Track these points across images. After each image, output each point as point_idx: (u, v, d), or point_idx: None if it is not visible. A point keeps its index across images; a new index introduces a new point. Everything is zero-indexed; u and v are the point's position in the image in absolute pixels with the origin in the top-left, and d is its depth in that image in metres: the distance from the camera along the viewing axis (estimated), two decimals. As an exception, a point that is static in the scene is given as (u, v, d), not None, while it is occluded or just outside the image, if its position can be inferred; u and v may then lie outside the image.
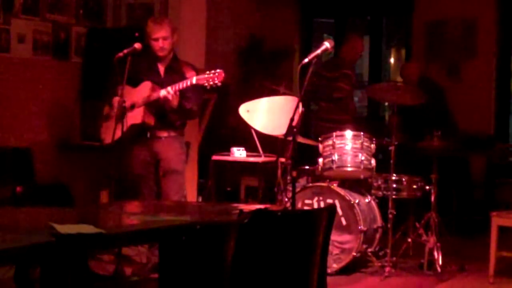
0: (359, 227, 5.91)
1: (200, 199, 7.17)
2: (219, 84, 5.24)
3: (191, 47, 6.99)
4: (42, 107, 6.91)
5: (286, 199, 5.62)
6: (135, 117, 5.46)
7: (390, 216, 6.02)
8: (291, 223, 3.39)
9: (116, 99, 5.44)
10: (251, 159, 6.92)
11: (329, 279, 3.57)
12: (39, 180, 6.53)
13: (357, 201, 6.01)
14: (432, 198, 6.11)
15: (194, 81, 5.29)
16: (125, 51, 5.21)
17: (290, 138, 4.54)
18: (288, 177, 5.37)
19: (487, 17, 8.61)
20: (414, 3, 9.00)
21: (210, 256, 3.04)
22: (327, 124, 7.10)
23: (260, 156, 6.85)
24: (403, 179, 6.22)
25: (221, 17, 8.76)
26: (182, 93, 5.44)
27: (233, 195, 7.73)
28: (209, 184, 7.26)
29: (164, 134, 5.63)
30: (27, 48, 6.78)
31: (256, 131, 6.63)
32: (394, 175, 6.12)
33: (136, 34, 5.98)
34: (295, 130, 4.51)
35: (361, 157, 6.09)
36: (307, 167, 6.39)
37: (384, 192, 6.20)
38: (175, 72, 5.61)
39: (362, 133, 6.18)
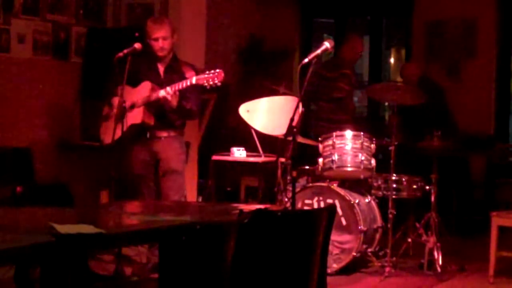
0: (359, 227, 5.91)
1: (200, 199, 7.17)
2: (219, 84, 5.24)
3: (191, 47, 6.99)
4: (42, 107, 6.91)
5: (286, 199, 5.62)
6: (135, 117, 5.46)
7: (390, 216, 6.02)
8: (291, 223, 3.39)
9: (115, 99, 5.44)
10: (251, 159, 6.92)
11: (329, 279, 3.57)
12: (39, 180, 6.53)
13: (357, 201, 6.01)
14: (432, 198, 6.11)
15: (193, 81, 5.29)
16: (125, 51, 5.21)
17: (290, 138, 4.54)
18: (288, 177, 5.37)
19: (487, 17, 8.61)
20: (414, 3, 9.00)
21: (210, 256, 3.04)
22: (327, 124, 7.10)
23: (260, 156, 6.85)
24: (403, 179, 6.22)
25: (221, 17, 8.76)
26: (182, 93, 5.44)
27: (233, 195, 7.73)
28: (209, 184, 7.26)
29: (163, 134, 5.63)
30: (27, 48, 6.78)
31: (256, 131, 6.63)
32: (394, 175, 6.12)
33: (136, 34, 5.98)
34: (295, 130, 4.51)
35: (361, 157, 6.09)
36: (307, 167, 6.39)
37: (384, 192, 6.20)
38: (174, 72, 5.61)
39: (362, 133, 6.18)
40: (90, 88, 7.00)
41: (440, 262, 5.95)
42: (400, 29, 10.05)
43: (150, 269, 5.55)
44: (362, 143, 6.12)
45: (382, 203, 6.24)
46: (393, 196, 6.10)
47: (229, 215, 3.96)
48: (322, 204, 6.02)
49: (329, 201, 6.02)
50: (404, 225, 6.46)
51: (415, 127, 7.23)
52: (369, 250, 6.10)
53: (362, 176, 6.27)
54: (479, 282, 5.92)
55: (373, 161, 6.12)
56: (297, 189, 5.96)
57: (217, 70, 5.22)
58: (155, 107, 5.50)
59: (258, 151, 6.84)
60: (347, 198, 5.99)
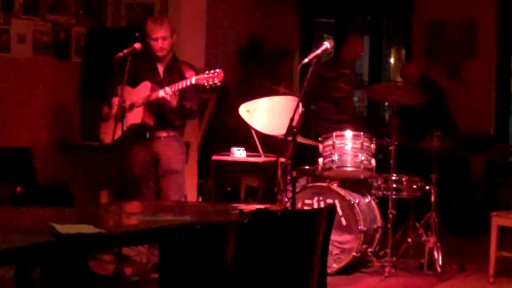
0: (359, 227, 5.91)
1: (200, 199, 7.17)
2: (219, 83, 5.24)
3: (191, 47, 6.99)
4: (42, 107, 6.91)
5: (286, 199, 5.62)
6: (135, 117, 5.46)
7: (390, 216, 6.02)
8: (291, 223, 3.38)
9: (115, 99, 5.44)
10: (251, 159, 6.92)
11: (329, 279, 3.57)
12: (39, 180, 6.53)
13: (357, 201, 6.01)
14: (432, 198, 6.11)
15: (193, 81, 5.29)
16: (125, 51, 5.21)
17: (290, 138, 4.54)
18: (288, 177, 5.37)
19: (487, 17, 8.62)
20: (414, 3, 9.00)
21: (210, 256, 3.04)
22: (327, 124, 7.10)
23: (260, 156, 6.85)
24: (403, 179, 6.22)
25: (221, 17, 8.76)
26: (182, 93, 5.44)
27: (233, 195, 7.73)
28: (209, 184, 7.26)
29: (163, 134, 5.63)
30: (27, 48, 6.78)
31: (256, 131, 6.63)
32: (394, 175, 6.12)
33: (136, 34, 5.98)
34: (295, 130, 4.51)
35: (361, 157, 6.09)
36: (307, 167, 6.39)
37: (384, 192, 6.20)
38: (174, 72, 5.61)
39: (362, 133, 6.18)
40: (90, 88, 7.00)
41: (440, 262, 5.95)
42: (400, 29, 10.06)
43: (150, 269, 5.55)
44: (362, 143, 6.12)
45: (382, 203, 6.24)
46: (393, 196, 6.09)
47: (229, 215, 3.96)
48: (322, 204, 6.02)
49: (329, 201, 6.02)
50: (404, 225, 6.46)
51: (415, 127, 7.23)
52: (369, 250, 6.10)
53: (362, 176, 6.27)
54: (479, 282, 5.92)
55: (373, 161, 6.12)
56: (297, 189, 5.96)
57: (217, 70, 5.22)
58: (154, 107, 5.50)
59: (258, 151, 6.84)
60: (347, 198, 5.99)
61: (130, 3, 7.46)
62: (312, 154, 6.30)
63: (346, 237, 5.96)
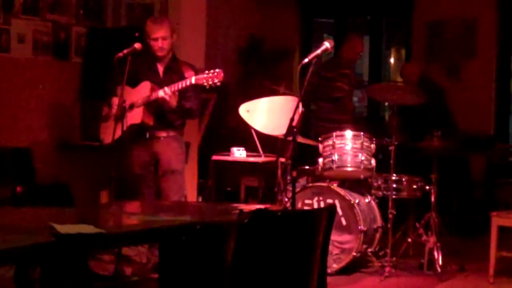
0: (359, 227, 5.91)
1: (200, 199, 7.17)
2: (219, 83, 5.24)
3: (191, 47, 6.99)
4: (42, 107, 6.91)
5: (286, 199, 5.62)
6: (134, 117, 5.46)
7: (390, 216, 6.02)
8: (291, 223, 3.38)
9: (115, 99, 5.44)
10: (251, 159, 6.92)
11: (329, 279, 3.57)
12: (39, 180, 6.53)
13: (357, 201, 6.01)
14: (432, 198, 6.11)
15: (193, 81, 5.29)
16: (125, 51, 5.20)
17: (290, 138, 4.54)
18: (288, 177, 5.37)
19: (487, 17, 8.62)
20: (414, 3, 9.00)
21: (210, 256, 3.04)
22: (327, 124, 7.10)
23: (260, 156, 6.85)
24: (403, 179, 6.22)
25: (221, 17, 8.76)
26: (182, 93, 5.44)
27: (233, 195, 7.72)
28: (209, 184, 7.26)
29: (163, 134, 5.63)
30: (27, 48, 6.78)
31: (256, 131, 6.63)
32: (394, 175, 6.12)
33: (136, 34, 5.98)
34: (295, 130, 4.51)
35: (361, 157, 6.09)
36: (307, 167, 6.39)
37: (384, 192, 6.20)
38: (174, 72, 5.61)
39: (362, 133, 6.18)
40: (90, 88, 7.00)
41: (440, 262, 5.95)
42: (400, 29, 10.06)
43: (150, 269, 5.55)
44: (362, 143, 6.12)
45: (382, 203, 6.24)
46: (393, 196, 6.09)
47: (229, 215, 3.96)
48: (322, 204, 6.02)
49: (329, 201, 6.02)
50: (404, 225, 6.46)
51: (415, 127, 7.23)
52: (369, 250, 6.10)
53: (362, 176, 6.27)
54: (479, 282, 5.92)
55: (373, 161, 6.12)
56: (297, 189, 5.96)
57: (217, 70, 5.22)
58: (154, 107, 5.50)
59: (258, 151, 6.84)
60: (347, 198, 5.99)
61: (130, 3, 7.46)
62: (312, 154, 6.30)
63: (346, 237, 5.96)
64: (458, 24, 8.73)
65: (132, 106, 5.44)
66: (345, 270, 5.97)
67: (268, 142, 6.67)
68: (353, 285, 5.80)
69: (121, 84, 5.23)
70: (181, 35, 6.67)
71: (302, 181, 6.44)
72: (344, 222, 5.98)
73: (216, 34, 8.51)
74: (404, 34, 9.58)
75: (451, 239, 6.29)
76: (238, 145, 6.98)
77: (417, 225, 6.24)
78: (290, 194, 4.80)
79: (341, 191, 6.04)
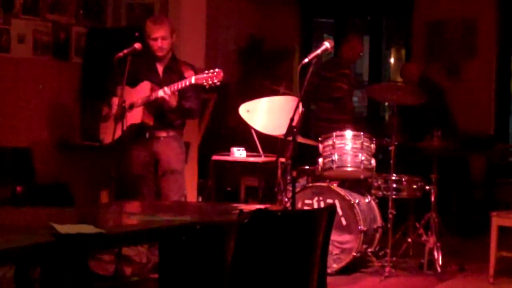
0: (359, 227, 5.91)
1: (200, 199, 7.17)
2: (218, 83, 5.24)
3: (191, 47, 6.99)
4: (42, 107, 6.90)
5: (286, 199, 5.62)
6: (134, 117, 5.46)
7: (390, 216, 6.02)
8: (291, 223, 3.38)
9: (115, 99, 5.44)
10: (251, 159, 6.92)
11: (329, 279, 3.57)
12: (39, 180, 6.53)
13: (357, 201, 6.01)
14: (432, 198, 6.11)
15: (193, 80, 5.29)
16: (125, 51, 5.20)
17: (290, 138, 4.54)
18: (288, 177, 5.37)
19: (487, 17, 8.62)
20: (414, 3, 9.00)
21: (210, 256, 3.04)
22: (326, 124, 7.10)
23: (260, 156, 6.85)
24: (403, 179, 6.22)
25: (221, 17, 8.76)
26: (181, 93, 5.44)
27: (233, 195, 7.73)
28: (209, 184, 7.26)
29: (163, 134, 5.63)
30: (27, 48, 6.78)
31: (256, 131, 6.63)
32: (394, 175, 6.12)
33: (136, 34, 5.98)
34: (295, 130, 4.51)
35: (361, 157, 6.09)
36: (307, 167, 6.39)
37: (384, 192, 6.20)
38: (173, 72, 5.61)
39: (362, 133, 6.18)
40: (90, 88, 7.00)
41: (440, 262, 5.95)
42: (400, 29, 10.05)
43: (150, 269, 5.55)
44: (362, 143, 6.12)
45: (382, 203, 6.24)
46: (393, 196, 6.09)
47: (229, 215, 3.96)
48: (322, 204, 6.02)
49: (329, 201, 6.02)
50: (404, 225, 6.46)
51: (415, 127, 7.23)
52: (369, 250, 6.10)
53: (362, 176, 6.27)
54: (479, 282, 5.92)
55: (373, 161, 6.12)
56: (297, 189, 5.96)
57: (216, 70, 5.22)
58: (154, 107, 5.50)
59: (258, 151, 6.84)
60: (347, 198, 5.99)
61: (130, 3, 7.46)
62: (312, 154, 6.30)
63: (346, 237, 5.96)
64: (458, 24, 8.73)
65: (132, 106, 5.44)
66: (345, 270, 5.97)
67: (268, 142, 6.67)
68: (353, 285, 5.80)
69: (121, 84, 5.23)
70: (181, 35, 6.67)
71: (302, 181, 6.44)
72: (344, 222, 5.99)
73: (216, 34, 8.51)
74: (404, 34, 9.58)
75: (451, 239, 6.29)
76: (238, 145, 6.98)
77: (417, 225, 6.24)
78: (290, 194, 4.80)
79: (341, 191, 6.04)
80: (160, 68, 5.66)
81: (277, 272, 3.26)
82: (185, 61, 5.79)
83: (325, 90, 7.31)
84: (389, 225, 6.02)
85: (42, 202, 4.20)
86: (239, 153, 6.90)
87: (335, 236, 5.81)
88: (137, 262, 5.79)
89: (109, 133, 5.30)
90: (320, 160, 6.14)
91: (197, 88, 5.48)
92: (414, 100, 6.39)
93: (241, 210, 3.77)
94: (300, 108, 4.63)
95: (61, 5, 7.04)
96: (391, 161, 6.07)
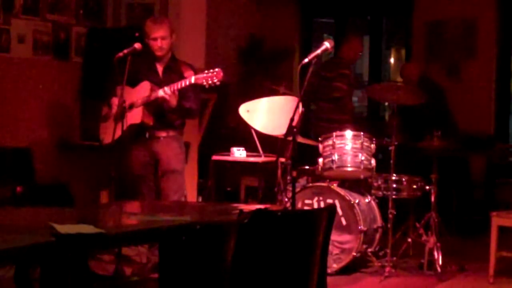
0: (359, 227, 5.91)
1: (200, 199, 7.17)
2: (218, 83, 5.24)
3: (191, 47, 6.99)
4: (42, 107, 6.91)
5: (286, 199, 5.62)
6: (134, 117, 5.46)
7: (390, 216, 6.02)
8: (291, 223, 3.38)
9: (115, 99, 5.44)
10: (251, 159, 6.92)
11: (329, 279, 3.57)
12: (39, 180, 6.53)
13: (357, 201, 6.01)
14: (432, 198, 6.11)
15: (192, 80, 5.29)
16: (125, 51, 5.21)
17: (290, 138, 4.54)
18: (288, 177, 5.37)
19: (487, 17, 8.61)
20: (414, 3, 9.00)
21: (210, 256, 3.04)
22: (326, 124, 7.10)
23: (260, 156, 6.85)
24: (403, 179, 6.22)
25: (221, 17, 8.76)
26: (181, 92, 5.44)
27: (233, 195, 7.72)
28: (209, 184, 7.26)
29: (163, 134, 5.63)
30: (27, 48, 6.78)
31: (256, 131, 6.63)
32: (394, 175, 6.12)
33: (136, 34, 5.98)
34: (295, 130, 4.51)
35: (361, 157, 6.09)
36: (307, 167, 6.39)
37: (384, 192, 6.20)
38: (173, 72, 5.61)
39: (362, 133, 6.18)
40: (90, 88, 7.00)
41: (440, 262, 5.95)
42: (400, 29, 10.05)
43: (150, 269, 5.55)
44: (362, 143, 6.12)
45: (382, 203, 6.24)
46: (393, 196, 6.09)
47: (229, 215, 3.96)
48: (322, 204, 6.02)
49: (329, 201, 6.02)
50: (404, 225, 6.46)
51: (415, 127, 7.23)
52: (369, 250, 6.10)
53: (362, 176, 6.27)
54: (479, 282, 5.92)
55: (373, 161, 6.12)
56: (297, 189, 5.96)
57: (216, 69, 5.22)
58: (154, 107, 5.50)
59: (258, 151, 6.84)
60: (347, 198, 5.99)
61: (130, 3, 7.46)
62: (312, 154, 6.30)
63: (346, 237, 5.96)
64: (458, 24, 8.73)
65: (131, 106, 5.44)
66: (345, 270, 5.97)
67: (268, 142, 6.67)
68: (353, 285, 5.80)
69: (121, 84, 5.23)
70: (181, 35, 6.67)
71: (302, 181, 6.44)
72: (344, 222, 5.98)
73: (216, 34, 8.51)
74: (404, 34, 9.58)
75: (451, 239, 6.29)
76: (238, 145, 6.98)
77: (417, 225, 6.24)
78: (290, 194, 4.80)
79: (341, 191, 6.04)
80: (159, 68, 5.66)
81: (277, 272, 3.26)
82: (184, 61, 5.79)
83: (325, 90, 7.30)
84: (389, 225, 6.02)
85: (42, 202, 4.22)
86: (239, 153, 6.90)
87: (335, 236, 5.81)
88: (137, 262, 5.79)
89: (109, 133, 5.30)
90: (320, 160, 6.14)
91: (197, 88, 5.48)
92: (414, 100, 6.39)
93: (241, 210, 3.77)
94: (300, 108, 4.63)
95: (61, 5, 7.05)
96: (391, 161, 6.07)
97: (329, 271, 5.24)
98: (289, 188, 5.00)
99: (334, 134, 6.16)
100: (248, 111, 6.53)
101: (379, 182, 6.26)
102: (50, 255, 3.00)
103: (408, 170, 6.32)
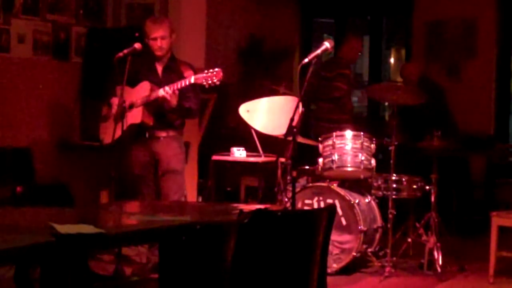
0: (359, 227, 5.91)
1: (200, 199, 7.17)
2: (218, 83, 5.24)
3: (191, 47, 6.99)
4: (42, 107, 6.91)
5: (286, 199, 5.62)
6: (134, 117, 5.46)
7: (390, 216, 6.02)
8: (291, 223, 3.38)
9: (115, 99, 5.44)
10: (251, 159, 6.92)
11: (329, 279, 3.57)
12: (39, 180, 6.53)
13: (357, 201, 6.01)
14: (432, 198, 6.11)
15: (192, 80, 5.29)
16: (125, 51, 5.21)
17: (290, 138, 4.54)
18: (288, 177, 5.37)
19: (487, 17, 8.61)
20: (414, 3, 9.00)
21: (210, 256, 3.04)
22: (326, 124, 7.10)
23: (260, 156, 6.85)
24: (403, 179, 6.22)
25: (221, 17, 8.76)
26: (181, 92, 5.44)
27: (233, 195, 7.72)
28: (209, 184, 7.26)
29: (163, 134, 5.63)
30: (27, 48, 6.78)
31: (256, 131, 6.63)
32: (394, 175, 6.12)
33: (136, 34, 5.98)
34: (295, 130, 4.51)
35: (361, 157, 6.09)
36: (307, 167, 6.39)
37: (384, 192, 6.20)
38: (173, 72, 5.61)
39: (362, 133, 6.18)
40: (90, 88, 7.00)
41: (440, 262, 5.95)
42: (400, 29, 10.06)
43: (150, 269, 5.55)
44: (362, 143, 6.12)
45: (382, 203, 6.24)
46: (393, 196, 6.09)
47: (229, 215, 3.96)
48: (322, 204, 6.02)
49: (329, 201, 6.02)
50: (404, 225, 6.46)
51: (415, 127, 7.23)
52: (369, 250, 6.10)
53: (362, 176, 6.27)
54: (479, 282, 5.92)
55: (373, 161, 6.12)
56: (297, 189, 5.96)
57: (216, 69, 5.22)
58: (154, 107, 5.50)
59: (258, 151, 6.84)
60: (347, 198, 5.99)
61: (130, 3, 7.46)
62: (312, 154, 6.30)
63: (346, 237, 5.96)
64: (458, 24, 8.73)
65: (131, 106, 5.45)
66: (345, 270, 5.97)
67: (268, 142, 6.67)
68: (353, 285, 5.80)
69: (121, 84, 5.23)
70: (181, 35, 6.67)
71: (302, 181, 6.44)
72: (344, 222, 5.98)
73: (216, 34, 8.51)
74: (404, 34, 9.58)
75: (451, 239, 6.29)
76: (238, 145, 6.98)
77: (417, 225, 6.24)
78: (290, 194, 4.80)
79: (341, 191, 6.04)
80: (159, 68, 5.66)
81: (277, 272, 3.26)
82: (184, 60, 5.79)
83: (325, 90, 7.31)
84: (389, 225, 6.02)
85: (42, 202, 4.21)
86: (239, 153, 6.90)
87: (335, 236, 5.81)
88: (137, 262, 5.79)
89: (109, 133, 5.30)
90: (320, 160, 6.14)
91: (196, 87, 5.48)
92: (414, 100, 6.39)
93: (241, 210, 3.77)
94: (300, 108, 4.63)
95: (61, 5, 7.05)
96: (391, 161, 6.07)
97: (329, 271, 5.24)
98: (289, 188, 5.00)
99: (334, 134, 6.16)
100: (248, 111, 6.53)
101: (379, 182, 6.26)
102: (50, 255, 2.99)
103: (408, 170, 6.32)
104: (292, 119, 4.50)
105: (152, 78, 5.58)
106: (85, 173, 6.81)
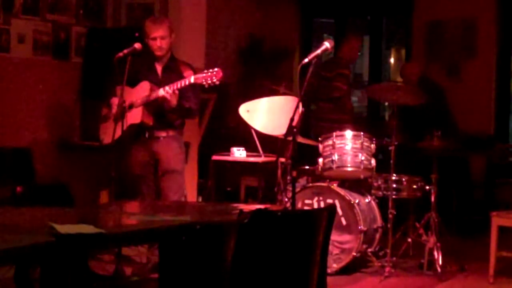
0: (359, 227, 5.91)
1: (200, 199, 7.17)
2: (217, 82, 5.24)
3: (191, 47, 6.99)
4: (42, 107, 6.90)
5: (286, 199, 5.62)
6: (134, 117, 5.46)
7: (390, 216, 6.02)
8: (291, 223, 3.38)
9: (115, 99, 5.44)
10: (251, 159, 6.92)
11: (329, 279, 3.57)
12: (39, 180, 6.53)
13: (357, 201, 6.01)
14: (432, 198, 6.11)
15: (192, 80, 5.29)
16: (125, 51, 5.21)
17: (290, 138, 4.54)
18: (288, 177, 5.37)
19: (487, 17, 8.61)
20: (414, 3, 9.00)
21: (210, 256, 3.04)
22: (326, 124, 7.11)
23: (260, 156, 6.85)
24: (403, 179, 6.22)
25: (221, 17, 8.76)
26: (181, 92, 5.44)
27: (233, 195, 7.73)
28: (209, 184, 7.26)
29: (162, 134, 5.63)
30: (27, 48, 6.78)
31: (256, 131, 6.63)
32: (394, 175, 6.12)
33: (136, 34, 5.98)
34: (295, 130, 4.51)
35: (361, 157, 6.09)
36: (307, 167, 6.39)
37: (384, 192, 6.20)
38: (172, 72, 5.61)
39: (362, 133, 6.18)
40: (90, 88, 7.00)
41: (440, 262, 5.95)
42: (400, 29, 10.06)
43: (150, 269, 5.55)
44: (362, 143, 6.12)
45: (382, 203, 6.24)
46: (393, 196, 6.09)
47: (229, 215, 3.96)
48: (322, 204, 6.02)
49: (329, 201, 6.02)
50: (404, 225, 6.46)
51: (415, 127, 7.23)
52: (369, 250, 6.10)
53: (362, 176, 6.27)
54: (479, 282, 5.92)
55: (373, 161, 6.12)
56: (297, 189, 5.96)
57: (216, 69, 5.22)
58: (154, 107, 5.50)
59: (258, 151, 6.84)
60: (347, 198, 5.99)
61: (130, 3, 7.46)
62: (312, 154, 6.30)
63: (346, 237, 5.96)
64: (458, 24, 8.73)
65: (131, 106, 5.45)
66: (345, 270, 5.97)
67: (268, 142, 6.67)
68: (353, 285, 5.80)
69: (121, 84, 5.23)
70: (181, 35, 6.67)
71: (302, 181, 6.44)
72: (344, 222, 5.98)
73: (216, 34, 8.51)
74: (404, 34, 9.58)
75: (451, 239, 6.29)
76: (238, 145, 6.98)
77: (417, 225, 6.24)
78: (290, 194, 4.80)
79: (341, 191, 6.04)
80: (159, 68, 5.66)
81: (277, 272, 3.26)
82: (183, 60, 5.79)
83: (325, 90, 7.31)
84: (389, 225, 6.02)
85: (42, 202, 4.21)
86: (239, 153, 6.90)
87: (335, 236, 5.81)
88: (137, 262, 5.79)
89: (109, 133, 5.30)
90: (320, 160, 6.14)
91: (196, 87, 5.48)
92: (414, 100, 6.39)
93: (241, 210, 3.77)
94: (300, 108, 4.63)
95: (61, 5, 7.04)
96: (391, 161, 6.07)
97: (329, 271, 5.25)
98: (289, 188, 5.00)
99: (334, 134, 6.16)
100: (248, 111, 6.53)
101: (379, 182, 6.26)
102: (50, 255, 2.99)
103: (408, 170, 6.32)
104: (292, 119, 4.50)
105: (152, 78, 5.58)
106: (85, 173, 6.81)
